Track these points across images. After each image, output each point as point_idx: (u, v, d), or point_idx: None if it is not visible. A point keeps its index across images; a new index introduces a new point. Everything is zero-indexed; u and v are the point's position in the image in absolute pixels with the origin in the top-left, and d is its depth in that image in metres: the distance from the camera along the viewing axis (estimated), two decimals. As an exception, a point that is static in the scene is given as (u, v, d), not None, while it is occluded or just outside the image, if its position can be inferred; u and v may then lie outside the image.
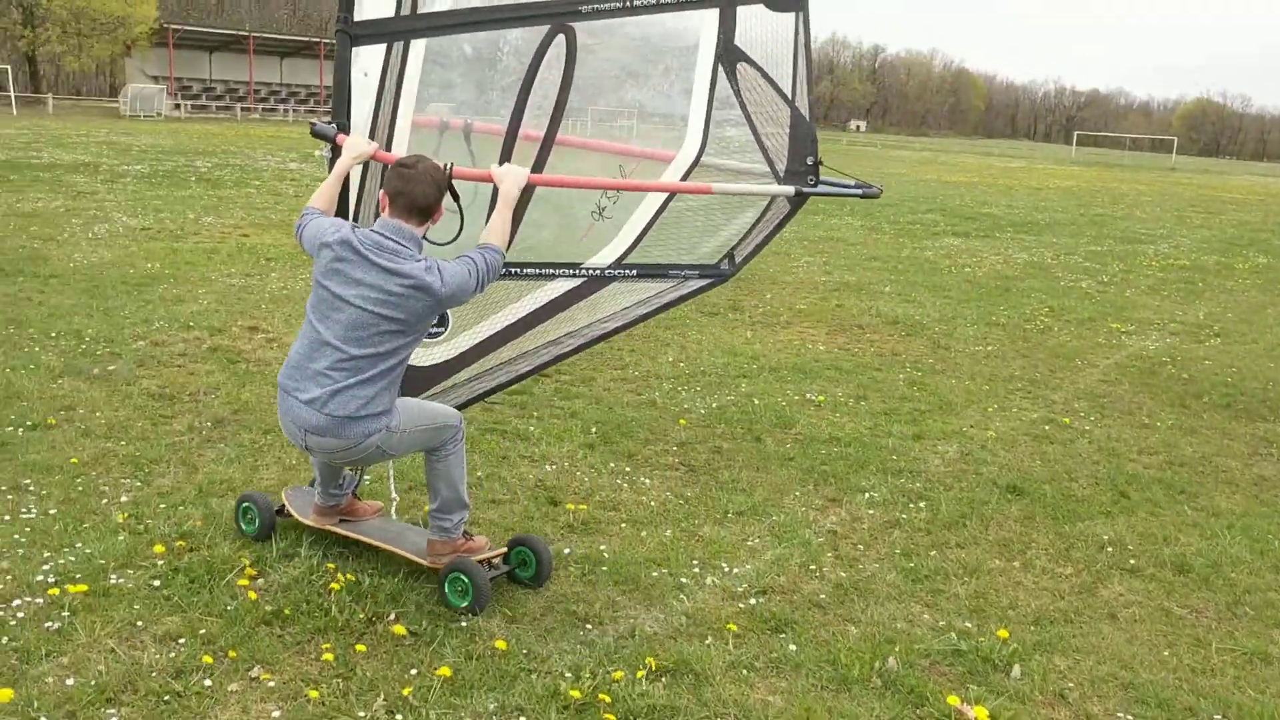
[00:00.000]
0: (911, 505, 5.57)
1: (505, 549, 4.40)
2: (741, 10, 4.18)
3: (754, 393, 7.57)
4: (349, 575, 4.23)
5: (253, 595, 4.04)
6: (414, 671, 3.65)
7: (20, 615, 3.80)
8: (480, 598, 4.05)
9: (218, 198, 18.37)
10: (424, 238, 3.95)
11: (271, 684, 3.52)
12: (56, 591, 3.96)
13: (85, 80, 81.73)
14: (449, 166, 3.95)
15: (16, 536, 4.44)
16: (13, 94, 61.14)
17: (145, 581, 4.11)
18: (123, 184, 19.92)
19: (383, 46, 4.21)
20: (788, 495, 5.61)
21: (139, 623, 3.82)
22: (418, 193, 3.84)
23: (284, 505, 4.69)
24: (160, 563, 4.27)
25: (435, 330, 4.53)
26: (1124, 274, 15.22)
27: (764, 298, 11.43)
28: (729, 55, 4.22)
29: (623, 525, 5.08)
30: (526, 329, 4.57)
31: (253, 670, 3.58)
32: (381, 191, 3.96)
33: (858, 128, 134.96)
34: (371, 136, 4.25)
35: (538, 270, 4.46)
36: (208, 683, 3.49)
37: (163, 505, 4.89)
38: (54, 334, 8.03)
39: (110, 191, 18.38)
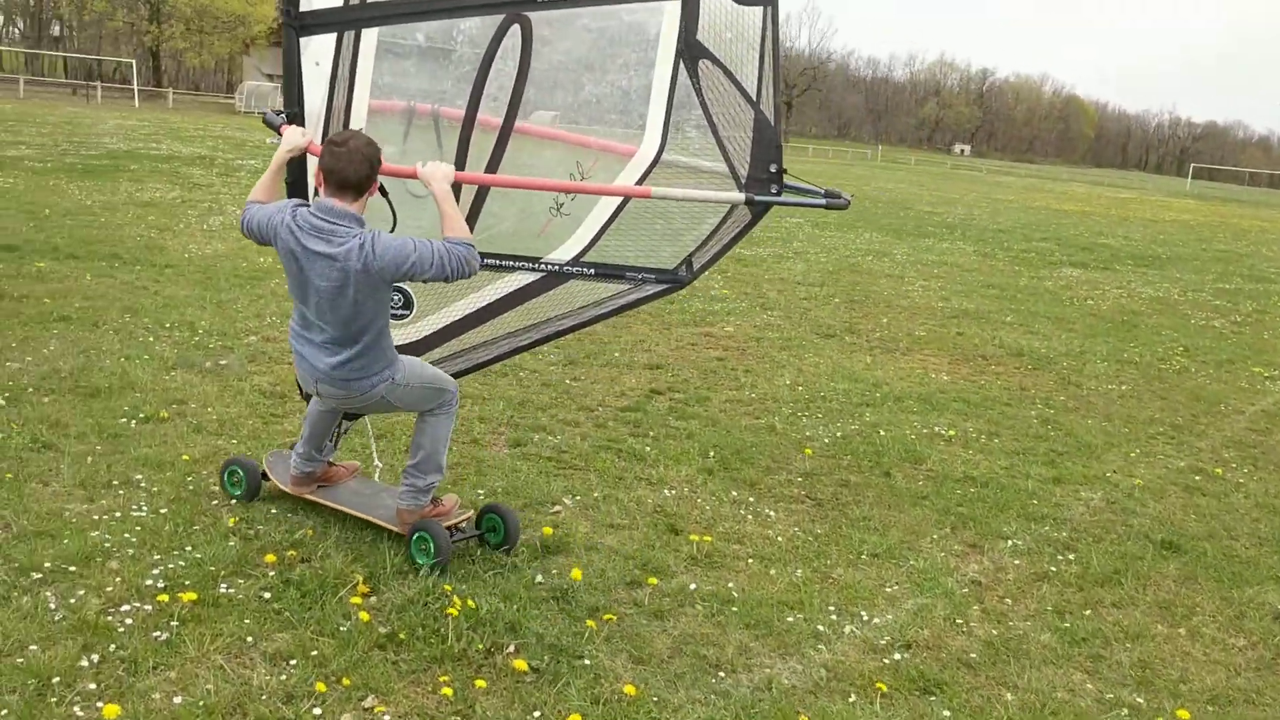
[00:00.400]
0: (1059, 557, 5.14)
1: (473, 514, 4.55)
2: (705, 2, 3.91)
3: (879, 423, 7.18)
4: (468, 601, 3.98)
5: (365, 616, 3.81)
6: (537, 714, 3.37)
7: (129, 622, 3.63)
8: (442, 557, 4.19)
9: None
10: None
11: (386, 718, 3.28)
12: (165, 598, 3.78)
13: (204, 76, 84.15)
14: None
15: (127, 535, 4.29)
16: (136, 87, 63.23)
17: (255, 593, 3.91)
18: (237, 178, 20.23)
19: (333, 36, 4.22)
20: (924, 538, 5.22)
21: (249, 638, 3.61)
22: (349, 170, 3.85)
23: (266, 473, 4.80)
24: (271, 573, 4.07)
25: (401, 313, 4.62)
26: (1258, 314, 14.41)
27: (880, 321, 11.01)
28: (690, 51, 3.98)
29: (749, 561, 4.75)
30: (487, 318, 4.59)
31: (366, 700, 3.35)
32: (315, 169, 3.99)
33: (961, 151, 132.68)
34: (327, 125, 4.26)
35: (497, 261, 4.42)
36: (318, 711, 3.26)
37: (273, 510, 4.71)
38: (168, 324, 8.00)
39: (225, 185, 18.65)
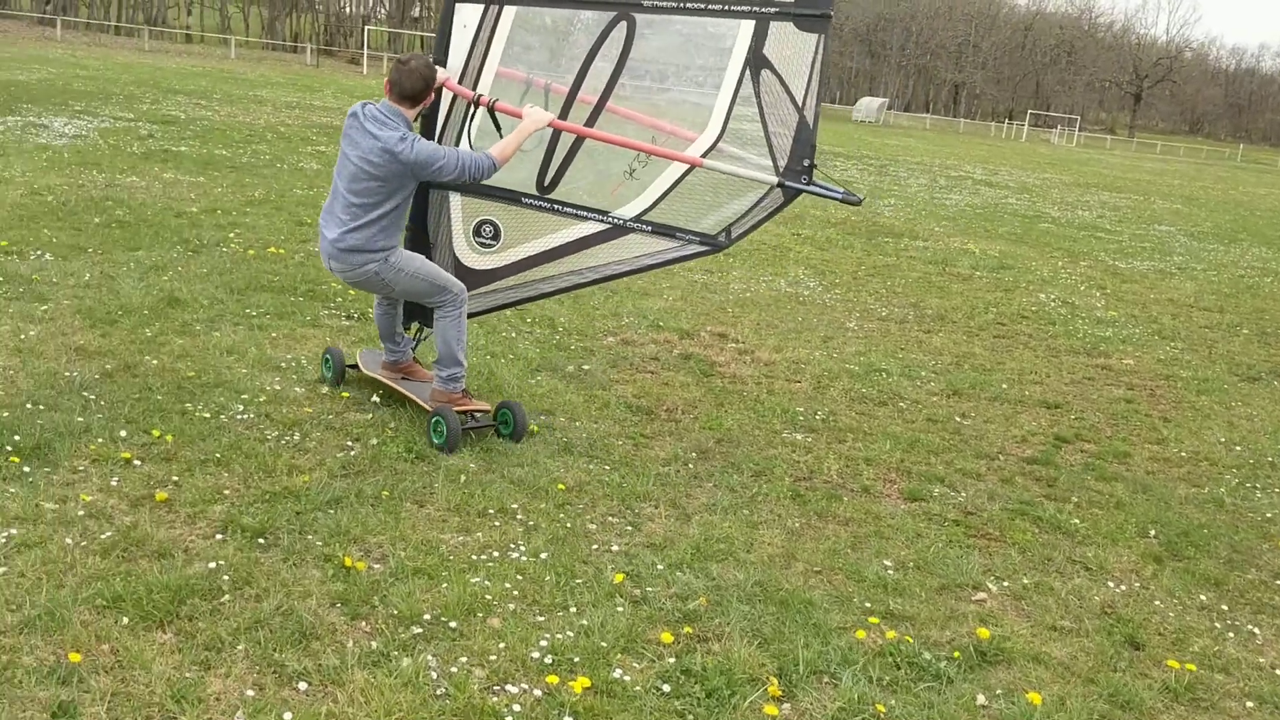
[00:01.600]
0: None
1: (490, 407, 5.42)
2: (773, 25, 4.73)
3: (1358, 507, 5.79)
4: (906, 730, 3.21)
5: (783, 733, 3.11)
6: None
7: (517, 709, 3.10)
8: (451, 439, 5.00)
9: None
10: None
11: None
12: (555, 679, 3.24)
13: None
14: (494, 101, 5.04)
15: (507, 585, 3.81)
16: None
17: (652, 683, 3.30)
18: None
19: (481, 7, 5.23)
20: None
21: (650, 749, 3.01)
22: (407, 83, 4.88)
23: (356, 362, 5.84)
24: (668, 658, 3.46)
25: (489, 243, 5.50)
26: None
27: (1310, 364, 9.29)
28: (756, 62, 4.80)
29: (1246, 702, 3.69)
30: (557, 257, 5.39)
31: None
32: (385, 79, 5.03)
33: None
34: (461, 79, 5.27)
35: (575, 211, 5.26)
36: None
37: (659, 565, 4.11)
38: (529, 320, 7.72)
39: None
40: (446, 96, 5.35)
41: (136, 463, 4.49)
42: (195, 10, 76.18)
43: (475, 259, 5.56)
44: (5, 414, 4.76)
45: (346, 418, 5.33)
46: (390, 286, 5.19)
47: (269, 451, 4.76)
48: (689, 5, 4.94)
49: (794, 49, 4.75)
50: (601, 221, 5.23)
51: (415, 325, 5.86)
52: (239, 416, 5.14)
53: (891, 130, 65.42)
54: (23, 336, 5.94)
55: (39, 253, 7.88)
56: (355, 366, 5.83)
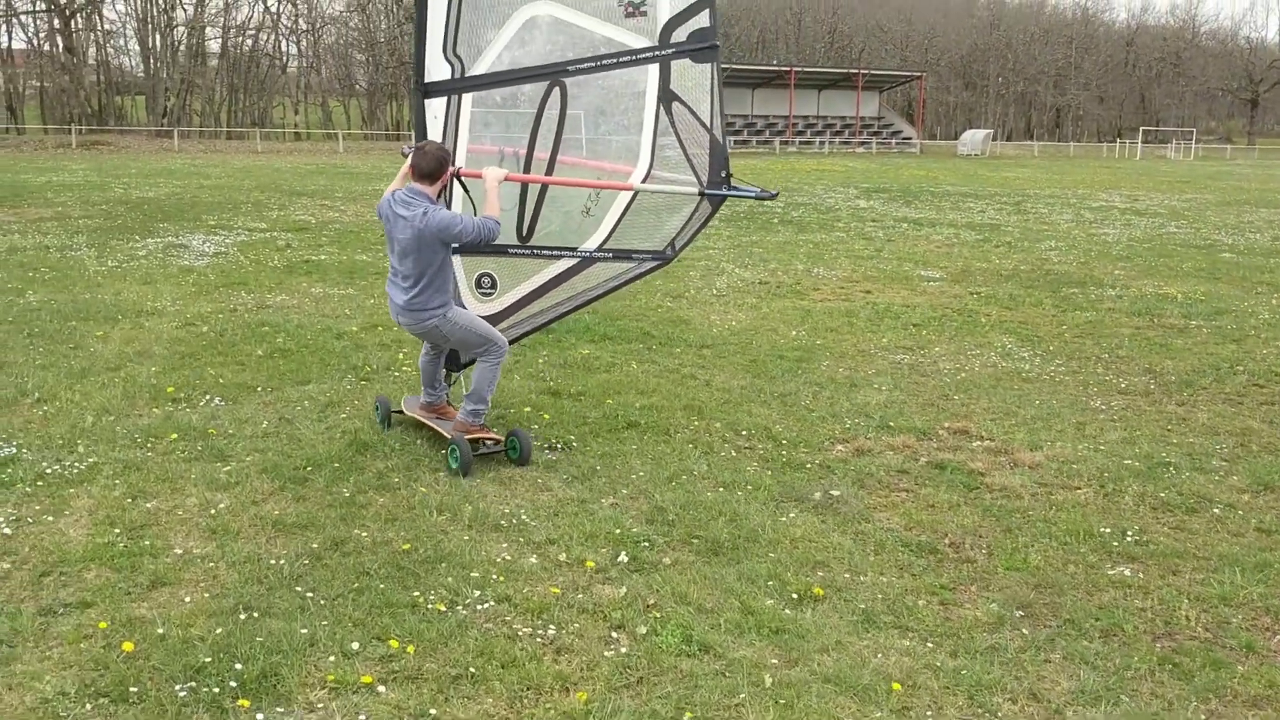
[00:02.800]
0: None
1: (501, 438, 6.17)
2: (674, 64, 5.80)
3: None
4: None
5: None
6: None
7: None
8: (464, 464, 5.84)
9: (812, 243, 17.36)
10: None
11: None
12: None
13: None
14: (458, 169, 6.00)
15: None
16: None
17: None
18: (712, 227, 19.65)
19: (444, 98, 6.04)
20: None
21: None
22: (424, 165, 5.72)
23: (401, 409, 6.70)
24: None
25: (489, 291, 6.36)
26: None
27: None
28: (666, 97, 5.84)
29: None
30: (544, 293, 6.33)
31: None
32: (406, 167, 5.88)
33: None
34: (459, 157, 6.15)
35: (551, 253, 6.19)
36: None
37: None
38: (743, 431, 6.85)
39: (705, 236, 18.04)
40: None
41: (381, 688, 3.70)
42: (300, 108, 78.43)
43: (481, 307, 6.42)
44: (219, 630, 4.04)
45: (596, 593, 4.50)
46: (447, 337, 6.12)
47: (526, 656, 3.94)
48: (604, 62, 5.93)
49: (694, 80, 5.83)
50: (572, 257, 6.25)
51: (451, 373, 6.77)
52: (478, 607, 4.34)
53: (1001, 161, 63.57)
54: (213, 511, 5.29)
55: (208, 397, 7.32)
56: (400, 411, 6.70)
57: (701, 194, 5.91)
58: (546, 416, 6.97)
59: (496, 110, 6.38)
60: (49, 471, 5.80)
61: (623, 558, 4.83)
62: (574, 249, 6.22)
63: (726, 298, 11.98)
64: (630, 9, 5.83)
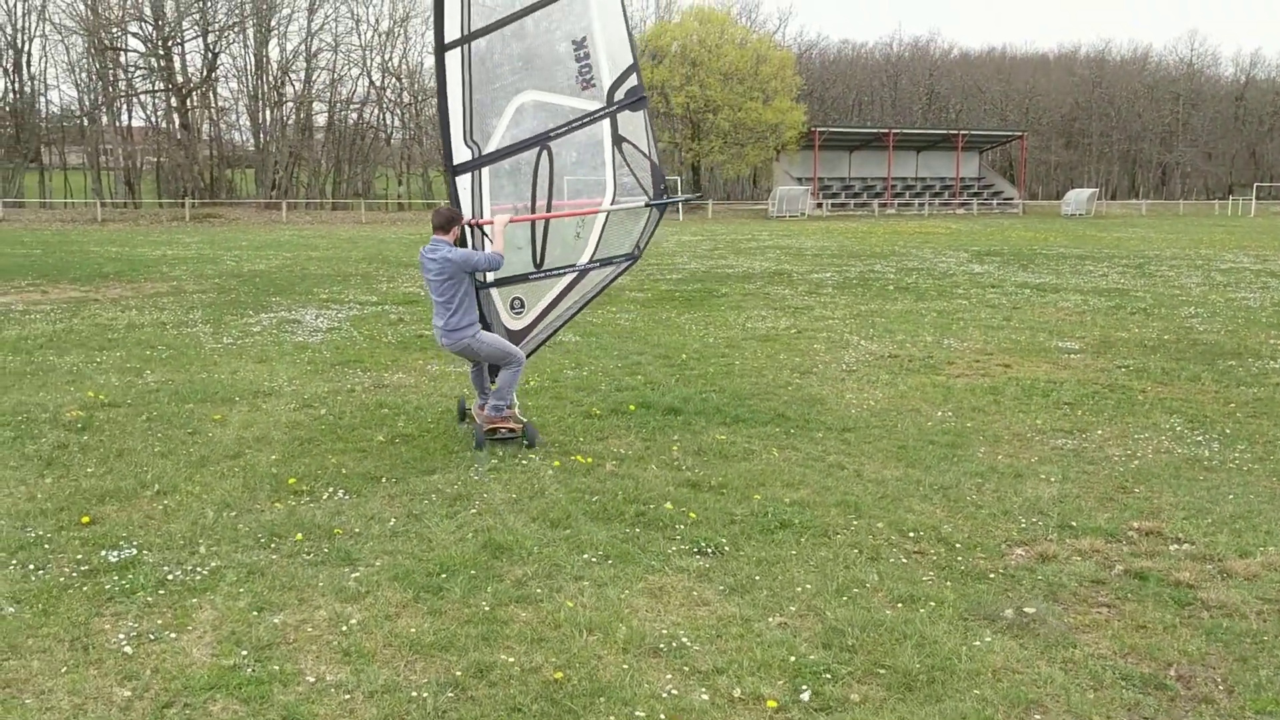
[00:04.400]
0: None
1: (519, 428, 8.14)
2: (619, 116, 7.96)
3: None
4: None
5: None
6: None
7: None
8: (478, 441, 7.95)
9: (935, 311, 16.64)
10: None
11: None
12: None
13: (734, 185, 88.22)
14: (474, 218, 8.06)
15: None
16: (680, 201, 66.96)
17: None
18: (828, 295, 19.07)
19: (469, 174, 8.06)
20: None
21: None
22: (436, 220, 7.88)
23: (468, 408, 8.80)
24: None
25: (520, 310, 8.44)
26: None
27: None
28: (618, 140, 8.02)
29: None
30: (557, 304, 8.47)
31: None
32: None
33: None
34: (480, 211, 8.12)
35: (559, 271, 8.31)
36: None
37: None
38: (910, 532, 6.22)
39: (824, 306, 17.46)
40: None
41: None
42: (403, 179, 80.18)
43: (515, 322, 8.49)
44: (365, 787, 3.55)
45: (782, 740, 3.91)
46: (478, 353, 8.02)
47: (716, 827, 3.36)
48: (573, 125, 7.98)
49: (634, 124, 8.04)
50: (573, 271, 8.33)
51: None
52: (654, 756, 3.78)
53: (1109, 221, 61.82)
54: (344, 628, 4.84)
55: (331, 489, 6.95)
56: (468, 409, 8.75)
57: (648, 204, 8.16)
58: (693, 516, 6.42)
59: (507, 176, 8.16)
60: (170, 578, 5.43)
61: (805, 694, 4.23)
62: (574, 265, 8.34)
63: (858, 373, 11.35)
64: (584, 84, 7.95)
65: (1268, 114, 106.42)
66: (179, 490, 6.94)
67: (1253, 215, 71.96)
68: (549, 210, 8.18)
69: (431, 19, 7.98)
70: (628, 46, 8.01)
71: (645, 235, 8.28)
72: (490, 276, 8.16)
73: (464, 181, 8.04)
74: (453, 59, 7.83)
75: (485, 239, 8.03)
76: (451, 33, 7.78)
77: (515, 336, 8.41)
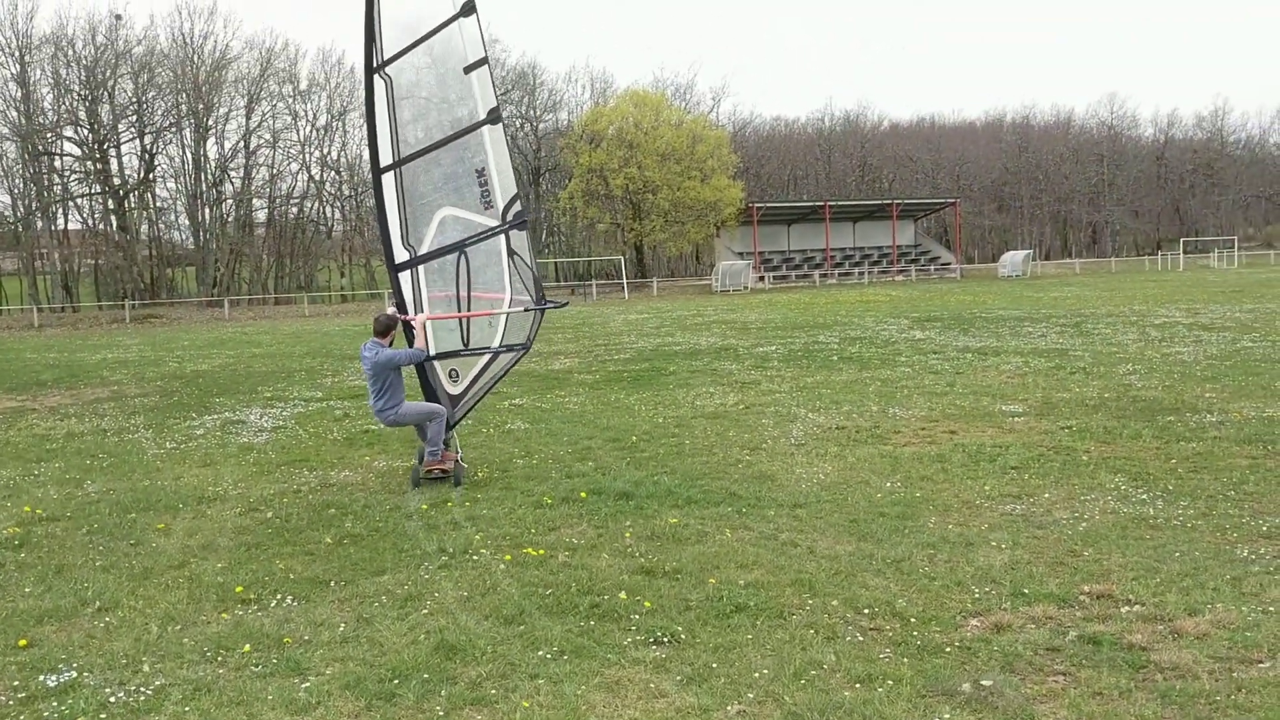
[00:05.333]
0: None
1: (449, 469, 10.16)
2: (510, 233, 10.12)
3: None
4: None
5: None
6: None
7: None
8: (414, 479, 10.09)
9: (880, 380, 16.83)
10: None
11: None
12: None
13: (677, 261, 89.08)
14: (405, 318, 10.15)
15: None
16: (625, 280, 67.74)
17: None
18: (774, 368, 19.22)
19: (409, 270, 10.13)
20: None
21: None
22: (376, 327, 9.91)
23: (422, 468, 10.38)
24: None
25: (457, 378, 10.52)
26: None
27: None
28: (511, 254, 10.20)
29: None
30: (481, 375, 10.58)
31: None
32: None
33: None
34: (415, 308, 10.20)
35: (480, 350, 10.45)
36: None
37: None
38: (863, 608, 6.22)
39: (771, 380, 17.58)
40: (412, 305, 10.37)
41: None
42: (345, 270, 80.00)
43: (454, 388, 10.52)
44: None
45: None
46: (405, 421, 10.21)
47: None
48: (481, 236, 10.11)
49: (522, 241, 10.24)
50: (489, 353, 10.48)
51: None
52: None
53: (1045, 281, 63.22)
54: (295, 743, 4.71)
55: (279, 596, 6.82)
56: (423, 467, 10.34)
57: (529, 309, 10.42)
58: (648, 604, 6.37)
59: (436, 272, 10.30)
60: (113, 700, 5.28)
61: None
62: (489, 347, 10.53)
63: (806, 447, 11.41)
64: (485, 204, 10.16)
65: (1187, 171, 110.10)
66: (121, 606, 6.77)
67: (1181, 269, 73.96)
68: (469, 299, 10.32)
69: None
70: (513, 178, 10.24)
71: (533, 330, 10.58)
72: (432, 350, 10.30)
73: (405, 276, 10.24)
74: (388, 179, 10.00)
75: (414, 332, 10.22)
76: (385, 159, 9.91)
77: (455, 400, 10.54)
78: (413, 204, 10.04)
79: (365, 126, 9.14)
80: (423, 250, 10.11)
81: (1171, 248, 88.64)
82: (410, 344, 10.05)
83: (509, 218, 10.10)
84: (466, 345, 10.41)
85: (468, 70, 9.95)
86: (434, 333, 10.27)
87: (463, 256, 10.11)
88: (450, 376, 10.48)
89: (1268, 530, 7.59)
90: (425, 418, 10.09)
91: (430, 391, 10.39)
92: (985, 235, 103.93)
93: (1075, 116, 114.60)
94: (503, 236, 10.12)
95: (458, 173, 10.08)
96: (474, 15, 9.86)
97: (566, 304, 10.93)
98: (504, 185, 10.10)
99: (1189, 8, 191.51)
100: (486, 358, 10.50)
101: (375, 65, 9.68)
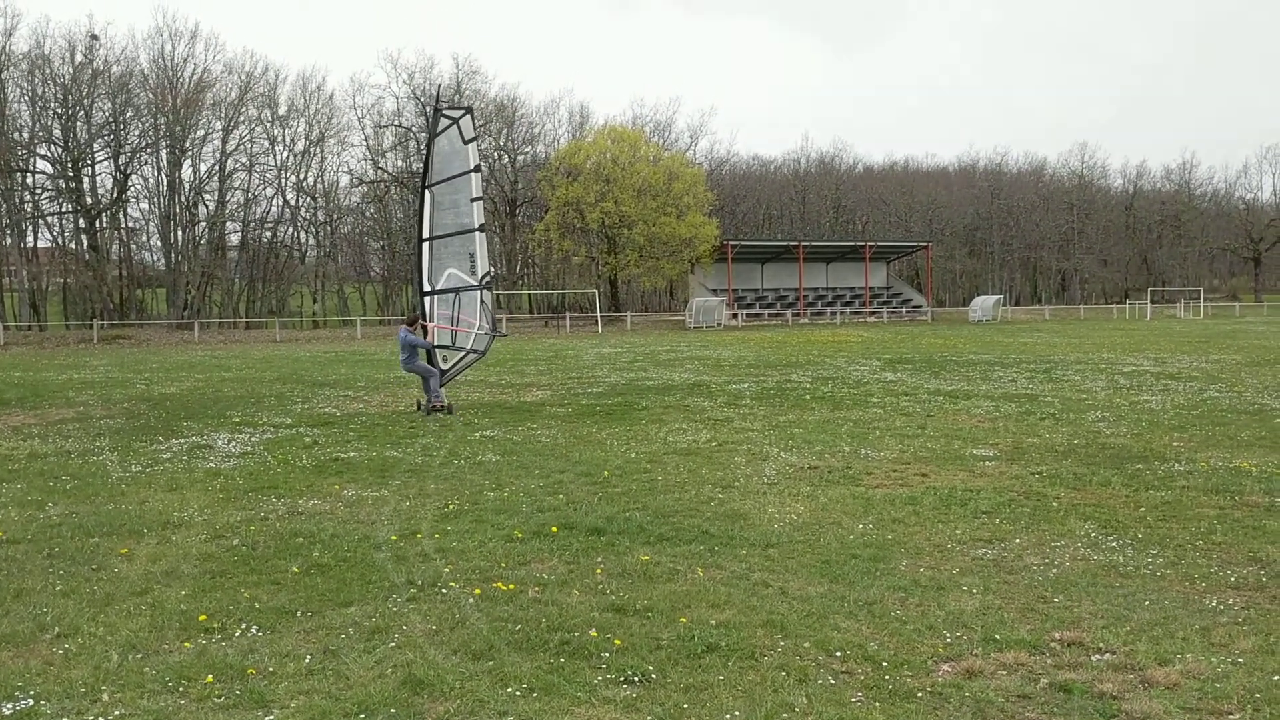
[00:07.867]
0: None
1: (448, 406, 18.73)
2: (483, 291, 19.42)
3: None
4: None
5: None
6: None
7: None
8: (425, 410, 18.77)
9: (852, 421, 16.88)
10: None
11: None
12: None
13: (652, 296, 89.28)
14: (430, 323, 19.59)
15: None
16: (599, 314, 67.77)
17: None
18: (746, 406, 19.24)
19: (428, 297, 19.54)
20: None
21: None
22: (407, 319, 20.06)
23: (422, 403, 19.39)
24: None
25: (445, 362, 19.61)
26: None
27: None
28: (482, 302, 19.47)
29: None
30: (456, 365, 19.82)
31: None
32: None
33: None
34: (430, 318, 19.60)
35: (459, 349, 19.73)
36: None
37: None
38: (835, 650, 6.19)
39: (743, 418, 17.59)
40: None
41: None
42: (318, 296, 79.64)
43: (443, 366, 19.31)
44: None
45: None
46: (416, 371, 19.15)
47: None
48: (468, 288, 19.30)
49: (488, 296, 19.52)
50: (464, 351, 19.67)
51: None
52: None
53: (1015, 326, 63.78)
54: (257, 777, 4.61)
55: (244, 626, 6.71)
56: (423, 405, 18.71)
57: (489, 333, 19.59)
58: (619, 642, 6.31)
59: (442, 303, 19.25)
60: (70, 730, 5.15)
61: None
62: (464, 349, 19.51)
63: (779, 486, 11.40)
64: (472, 272, 19.07)
65: (1155, 223, 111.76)
66: (81, 632, 6.64)
67: (1149, 319, 74.85)
68: (457, 321, 19.34)
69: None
70: (488, 260, 19.48)
71: (488, 345, 19.81)
72: (434, 344, 19.52)
73: (427, 300, 19.28)
74: (425, 246, 19.44)
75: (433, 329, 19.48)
76: (425, 233, 19.47)
77: (444, 373, 19.29)
78: (435, 262, 19.24)
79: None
80: (437, 288, 19.30)
81: (1139, 297, 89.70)
82: (425, 338, 19.11)
83: (484, 282, 19.23)
84: (452, 345, 19.51)
85: (473, 200, 19.40)
86: (435, 335, 19.26)
87: (456, 297, 19.26)
88: (443, 360, 19.34)
89: (1235, 581, 7.63)
90: (426, 374, 18.82)
91: (433, 363, 19.08)
92: (957, 279, 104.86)
93: (1047, 164, 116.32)
94: (479, 291, 19.24)
95: (460, 252, 19.20)
96: (479, 172, 19.66)
97: (507, 334, 24.30)
98: (483, 264, 19.28)
99: (1159, 65, 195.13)
100: (460, 354, 19.58)
101: (426, 184, 19.15)
